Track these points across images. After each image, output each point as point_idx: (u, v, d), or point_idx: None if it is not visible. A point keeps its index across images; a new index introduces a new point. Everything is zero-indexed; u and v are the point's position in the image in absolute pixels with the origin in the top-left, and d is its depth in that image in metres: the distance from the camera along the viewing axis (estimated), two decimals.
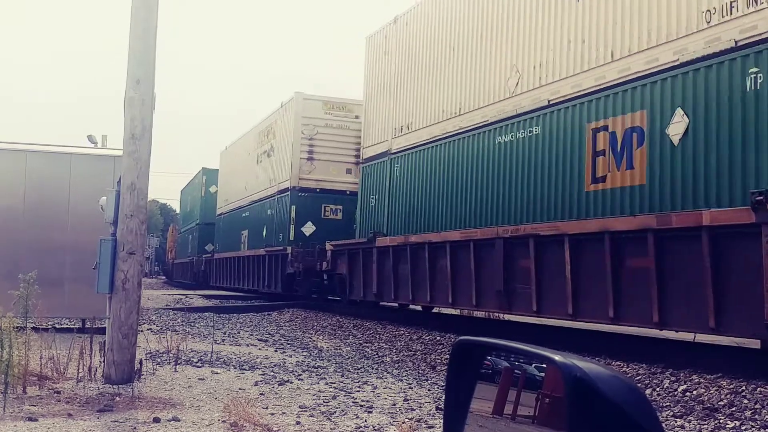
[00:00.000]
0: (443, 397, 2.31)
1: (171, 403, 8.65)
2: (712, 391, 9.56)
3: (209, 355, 13.22)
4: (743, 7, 10.80)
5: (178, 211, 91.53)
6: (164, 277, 75.35)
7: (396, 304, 22.77)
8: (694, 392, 9.74)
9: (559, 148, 14.28)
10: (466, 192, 17.43)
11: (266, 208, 32.45)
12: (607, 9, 13.55)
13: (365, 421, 8.12)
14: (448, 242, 17.34)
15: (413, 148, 20.28)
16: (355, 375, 11.99)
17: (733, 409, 8.87)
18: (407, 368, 13.74)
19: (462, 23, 18.52)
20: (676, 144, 11.77)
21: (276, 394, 9.64)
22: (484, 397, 2.01)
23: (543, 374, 1.83)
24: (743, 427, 8.23)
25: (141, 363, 10.38)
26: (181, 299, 32.63)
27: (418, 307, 22.05)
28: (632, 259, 12.28)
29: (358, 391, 10.17)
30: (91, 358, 9.90)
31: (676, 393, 9.92)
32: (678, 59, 11.85)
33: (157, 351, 13.01)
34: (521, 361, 1.95)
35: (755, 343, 12.32)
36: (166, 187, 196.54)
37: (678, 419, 8.80)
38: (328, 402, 9.18)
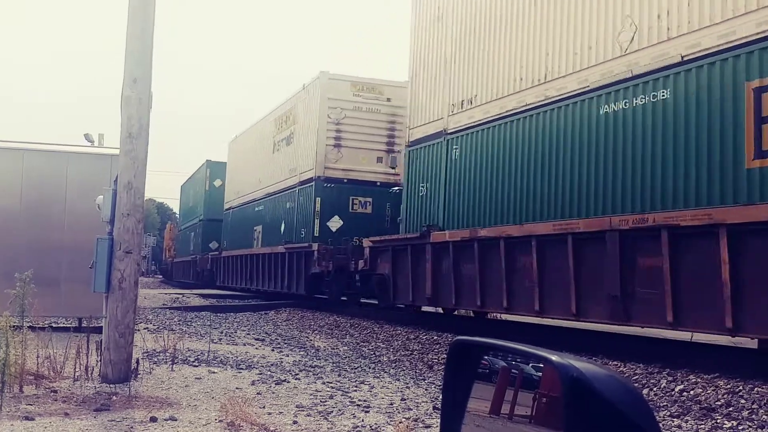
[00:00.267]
0: (440, 397, 2.30)
1: (168, 403, 8.64)
2: (709, 391, 9.55)
3: (206, 354, 13.21)
4: None
5: (174, 209, 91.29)
6: (161, 276, 75.07)
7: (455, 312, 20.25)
8: (692, 392, 9.73)
9: (701, 116, 11.36)
10: (556, 176, 14.35)
11: (285, 201, 29.71)
12: None
13: (362, 420, 8.12)
14: (534, 236, 14.17)
15: (478, 126, 17.06)
16: (352, 374, 11.98)
17: (731, 409, 8.87)
18: (404, 368, 13.74)
19: None
20: None
21: (273, 393, 9.64)
22: (481, 396, 2.00)
23: (540, 374, 1.83)
24: (740, 427, 8.23)
25: (138, 362, 10.37)
26: (178, 298, 32.59)
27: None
28: None
29: (355, 391, 10.17)
30: (87, 358, 9.89)
31: (673, 393, 9.92)
32: None
33: (154, 350, 13.01)
34: (518, 361, 1.95)
35: (752, 343, 12.33)
36: (163, 186, 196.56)
37: (675, 419, 8.80)
38: (325, 401, 9.17)
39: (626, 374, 11.13)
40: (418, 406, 9.16)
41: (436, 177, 18.85)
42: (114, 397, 8.72)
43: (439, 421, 2.17)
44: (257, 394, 9.49)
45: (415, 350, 15.82)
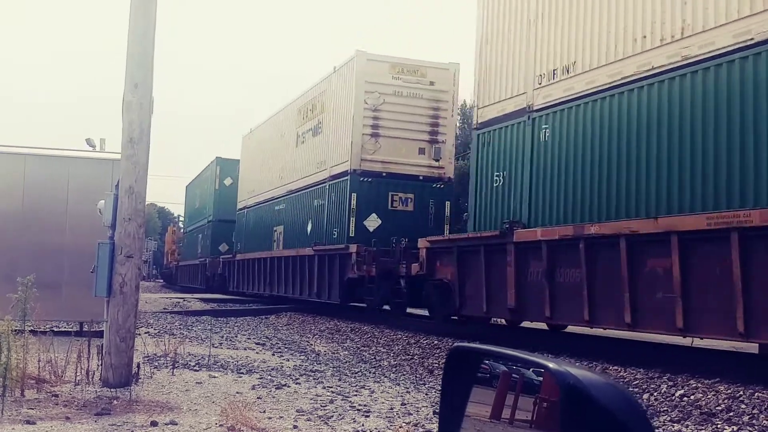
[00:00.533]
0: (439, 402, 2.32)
1: (168, 407, 8.65)
2: (709, 396, 9.56)
3: (207, 358, 13.22)
4: None
5: (176, 213, 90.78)
6: (162, 281, 74.59)
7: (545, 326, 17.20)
8: (692, 397, 9.74)
9: None
10: (704, 157, 11.29)
11: (312, 199, 26.87)
12: None
13: (362, 425, 8.13)
14: (675, 233, 11.14)
15: (578, 99, 14.07)
16: (353, 379, 11.99)
17: (731, 414, 8.87)
18: (405, 372, 13.74)
19: None
20: None
21: (273, 398, 9.65)
22: (482, 401, 2.01)
23: (541, 378, 1.84)
24: None
25: (138, 366, 10.38)
26: (178, 303, 32.58)
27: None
28: None
29: (356, 396, 10.17)
30: (88, 362, 9.90)
31: (673, 398, 9.92)
32: None
33: (155, 354, 13.01)
34: (519, 366, 1.96)
35: (753, 348, 12.34)
36: (164, 191, 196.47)
37: (675, 424, 8.81)
38: (326, 406, 9.18)
39: (626, 379, 11.14)
40: (418, 411, 9.17)
41: (517, 164, 15.90)
42: (115, 402, 8.73)
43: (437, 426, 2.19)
44: (258, 398, 9.50)
45: (416, 355, 15.82)
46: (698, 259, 10.95)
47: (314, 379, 11.63)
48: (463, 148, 33.40)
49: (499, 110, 16.72)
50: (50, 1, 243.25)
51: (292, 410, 8.78)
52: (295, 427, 7.85)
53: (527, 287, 14.74)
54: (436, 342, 16.64)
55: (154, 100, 10.37)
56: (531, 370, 1.89)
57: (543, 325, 17.19)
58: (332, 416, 8.54)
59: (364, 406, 9.32)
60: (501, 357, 2.02)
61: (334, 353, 16.39)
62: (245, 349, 15.93)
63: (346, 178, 23.35)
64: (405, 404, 9.66)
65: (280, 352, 15.71)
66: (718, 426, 8.54)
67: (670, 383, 10.47)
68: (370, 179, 22.94)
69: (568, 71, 14.50)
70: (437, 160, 23.15)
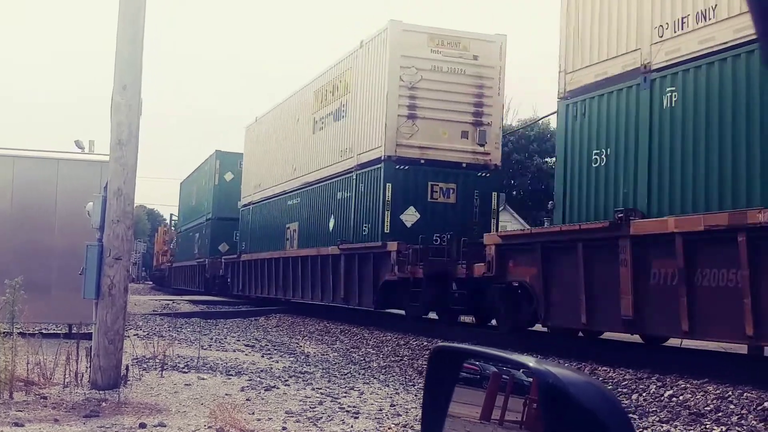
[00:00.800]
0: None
1: (157, 409, 8.64)
2: (698, 397, 9.60)
3: (196, 360, 13.20)
4: None
5: (165, 215, 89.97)
6: (152, 283, 73.95)
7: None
8: (681, 397, 9.78)
9: None
10: None
11: (334, 191, 24.07)
12: None
13: (352, 426, 8.14)
14: None
15: (724, 52, 11.14)
16: (342, 380, 11.99)
17: (720, 414, 8.91)
18: (394, 374, 13.75)
19: None
20: None
21: (262, 399, 9.64)
22: (470, 402, 2.02)
23: (530, 379, 1.84)
24: None
25: (127, 368, 10.36)
26: (168, 305, 32.54)
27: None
28: None
29: (345, 397, 10.18)
30: (77, 364, 9.88)
31: (662, 398, 9.96)
32: None
33: (144, 356, 12.99)
34: (500, 365, 1.96)
35: (742, 348, 12.38)
36: (154, 193, 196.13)
37: (664, 424, 8.84)
38: (315, 407, 9.18)
39: (615, 380, 11.17)
40: (407, 412, 9.17)
41: (628, 138, 13.06)
42: (103, 404, 8.71)
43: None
44: (247, 400, 9.50)
45: (405, 356, 15.83)
46: None
47: (303, 380, 11.63)
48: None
49: (598, 73, 13.78)
50: (50, 1, 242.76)
51: (281, 412, 8.78)
52: (284, 428, 7.86)
53: (650, 293, 11.81)
54: (425, 343, 16.65)
55: (143, 102, 10.37)
56: (521, 371, 1.89)
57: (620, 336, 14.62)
58: (321, 418, 8.54)
59: (354, 407, 9.33)
60: (483, 357, 2.03)
61: (323, 355, 16.39)
62: (234, 350, 15.92)
63: (378, 166, 20.58)
64: (394, 405, 9.66)
65: (270, 353, 15.70)
66: (707, 426, 8.57)
67: (659, 384, 10.51)
68: (406, 167, 20.13)
69: (705, 18, 11.58)
70: (482, 145, 20.53)
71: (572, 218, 14.13)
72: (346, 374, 12.91)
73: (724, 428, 8.40)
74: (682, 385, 10.16)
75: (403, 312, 20.46)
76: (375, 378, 12.74)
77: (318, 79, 26.80)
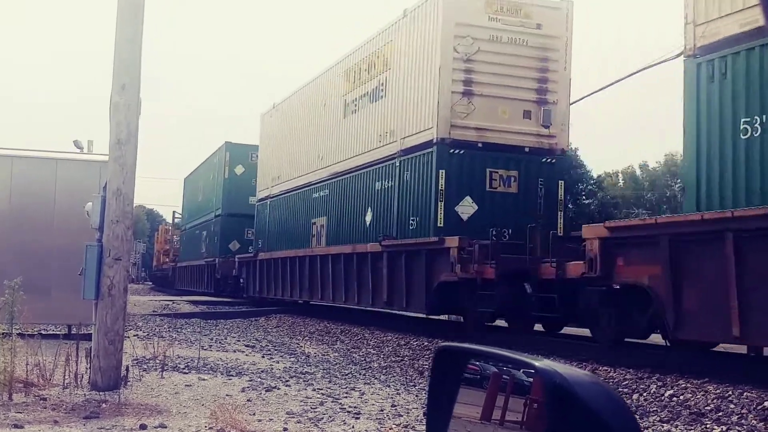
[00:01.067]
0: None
1: (157, 410, 8.62)
2: (698, 396, 9.59)
3: (196, 361, 13.18)
4: None
5: (164, 216, 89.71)
6: (151, 283, 73.40)
7: None
8: (681, 397, 9.76)
9: None
10: None
11: (371, 181, 21.47)
12: None
13: (352, 427, 8.12)
14: None
15: None
16: (343, 381, 11.97)
17: (720, 413, 8.90)
18: (395, 374, 13.74)
19: None
20: None
21: (263, 400, 9.63)
22: (472, 402, 2.00)
23: (531, 379, 1.83)
24: None
25: (127, 369, 10.34)
26: (167, 305, 32.52)
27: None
28: None
29: (346, 397, 10.16)
30: (77, 365, 9.86)
31: (663, 398, 9.95)
32: None
33: (144, 357, 12.97)
34: (509, 367, 1.95)
35: (742, 348, 12.37)
36: (152, 193, 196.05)
37: (665, 424, 8.83)
38: (316, 408, 9.16)
39: (616, 379, 11.16)
40: (408, 413, 9.16)
41: None
42: (103, 405, 8.69)
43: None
44: (247, 401, 9.48)
45: (406, 356, 15.82)
46: None
47: (304, 381, 11.61)
48: None
49: (747, 22, 11.04)
50: (50, 1, 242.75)
51: (282, 412, 8.76)
52: (285, 429, 7.84)
53: None
54: (426, 343, 16.64)
55: (142, 102, 10.35)
56: (521, 371, 1.88)
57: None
58: (322, 418, 8.53)
59: (355, 407, 9.31)
60: (488, 356, 2.01)
61: (324, 355, 16.37)
62: (235, 351, 15.90)
63: (429, 150, 18.11)
64: (395, 405, 9.65)
65: (270, 354, 15.68)
66: (707, 426, 8.56)
67: (660, 383, 10.50)
68: (461, 151, 17.71)
69: None
70: (547, 127, 18.21)
71: (711, 204, 11.63)
72: (347, 375, 12.89)
73: (724, 428, 8.39)
74: (683, 385, 10.15)
75: (460, 318, 18.55)
76: (376, 378, 12.73)
77: (349, 57, 24.09)
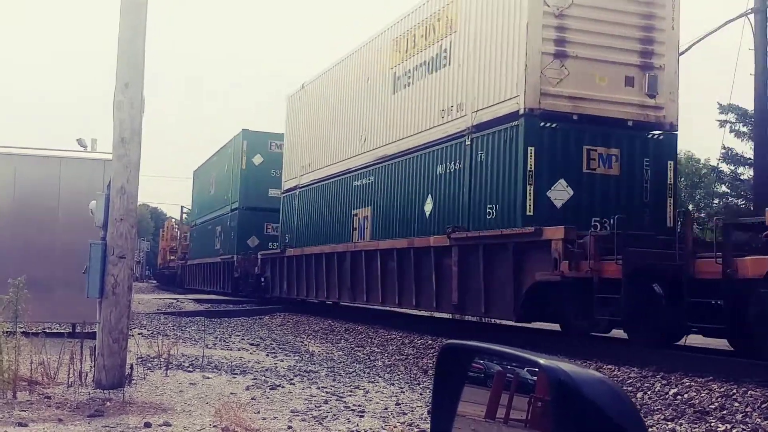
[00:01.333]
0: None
1: (162, 408, 8.62)
2: (703, 395, 9.57)
3: (200, 359, 13.18)
4: None
5: (169, 214, 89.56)
6: (155, 282, 72.87)
7: None
8: (685, 395, 9.74)
9: None
10: None
11: (432, 164, 18.31)
12: None
13: (357, 425, 8.12)
14: None
15: None
16: (347, 379, 11.97)
17: (724, 412, 8.88)
18: (399, 372, 13.73)
19: None
20: None
21: (267, 398, 9.62)
22: (476, 400, 2.00)
23: (535, 378, 1.83)
24: (734, 430, 8.25)
25: (132, 368, 10.34)
26: (171, 303, 32.54)
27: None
28: None
29: (350, 396, 10.15)
30: (81, 363, 9.87)
31: (667, 396, 9.93)
32: None
33: (148, 356, 12.97)
34: (514, 365, 1.94)
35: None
36: (156, 191, 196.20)
37: (669, 422, 8.82)
38: (320, 406, 9.16)
39: (620, 378, 11.14)
40: (413, 411, 9.15)
41: None
42: (108, 403, 8.69)
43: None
44: (252, 399, 9.48)
45: (410, 355, 15.81)
46: None
47: (308, 379, 11.61)
48: None
49: None
50: (50, 1, 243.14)
51: (287, 411, 8.76)
52: (289, 427, 7.84)
53: None
54: (430, 342, 16.63)
55: (145, 100, 10.35)
56: (525, 369, 1.88)
57: None
58: (327, 416, 8.52)
59: (359, 406, 9.31)
60: (493, 354, 2.01)
61: (328, 353, 16.37)
62: (239, 349, 15.90)
63: (514, 123, 14.90)
64: (399, 404, 9.64)
65: (274, 352, 15.68)
66: (712, 424, 8.55)
67: (664, 382, 10.48)
68: (554, 124, 14.73)
69: None
70: (653, 96, 15.29)
71: None
72: (351, 373, 12.89)
73: (728, 426, 8.38)
74: (687, 383, 10.13)
75: (556, 326, 16.06)
76: (380, 377, 12.72)
77: (399, 24, 20.76)
